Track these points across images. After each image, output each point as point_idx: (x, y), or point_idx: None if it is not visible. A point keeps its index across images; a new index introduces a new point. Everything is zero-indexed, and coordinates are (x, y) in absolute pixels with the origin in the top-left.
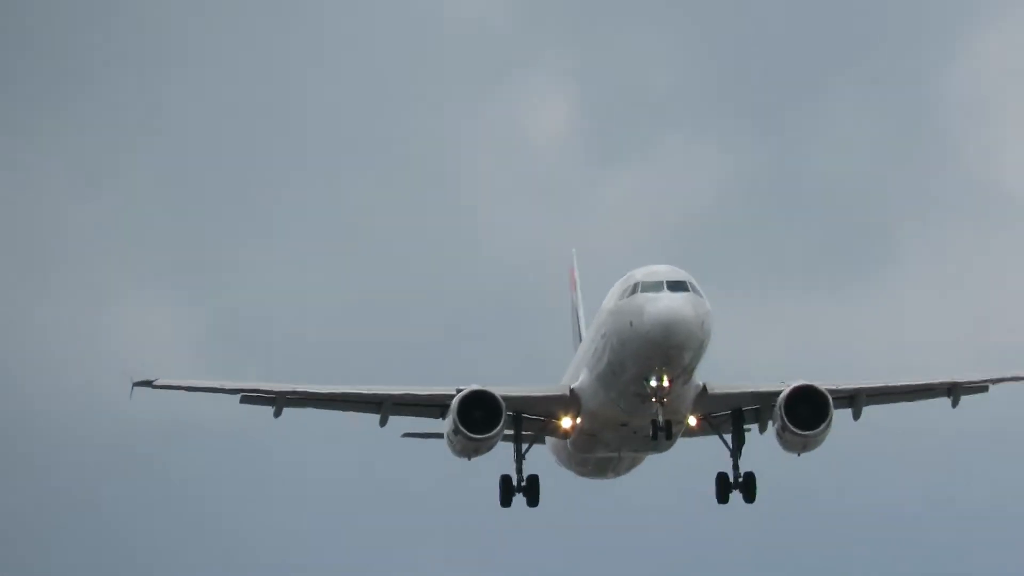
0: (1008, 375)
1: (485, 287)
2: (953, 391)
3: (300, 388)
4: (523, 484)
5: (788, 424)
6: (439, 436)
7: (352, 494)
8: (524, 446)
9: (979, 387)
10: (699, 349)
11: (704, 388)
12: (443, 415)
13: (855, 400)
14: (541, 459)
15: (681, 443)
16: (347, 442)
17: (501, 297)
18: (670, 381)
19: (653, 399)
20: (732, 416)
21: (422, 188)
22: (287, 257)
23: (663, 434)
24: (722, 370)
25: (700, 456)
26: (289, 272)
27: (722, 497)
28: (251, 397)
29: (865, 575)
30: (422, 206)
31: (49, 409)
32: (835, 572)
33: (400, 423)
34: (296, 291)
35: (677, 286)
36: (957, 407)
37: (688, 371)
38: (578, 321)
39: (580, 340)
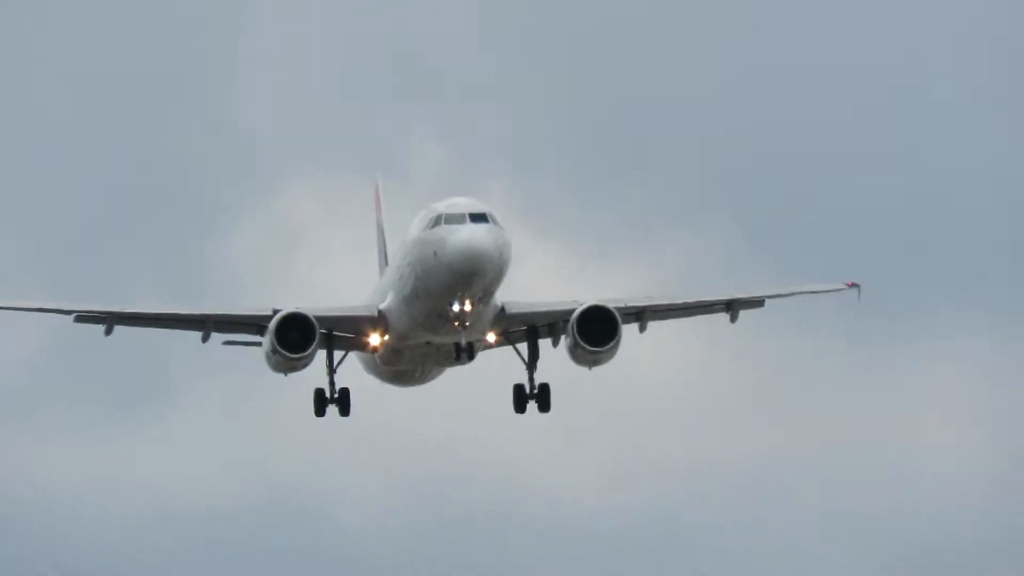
0: (784, 291)
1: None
2: (732, 307)
3: (130, 309)
4: (335, 396)
5: (580, 341)
6: (258, 344)
7: (179, 404)
8: (335, 360)
9: (756, 302)
10: (498, 275)
11: (503, 308)
12: (261, 332)
13: (642, 316)
14: (349, 366)
15: (480, 355)
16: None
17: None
18: (471, 305)
19: (456, 322)
20: (528, 332)
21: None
22: None
23: (465, 355)
24: (519, 289)
25: (498, 367)
26: None
27: (519, 407)
28: (85, 317)
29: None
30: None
31: None
32: (617, 474)
33: None
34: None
35: (478, 218)
36: (736, 322)
37: (488, 295)
38: (383, 241)
39: (386, 260)
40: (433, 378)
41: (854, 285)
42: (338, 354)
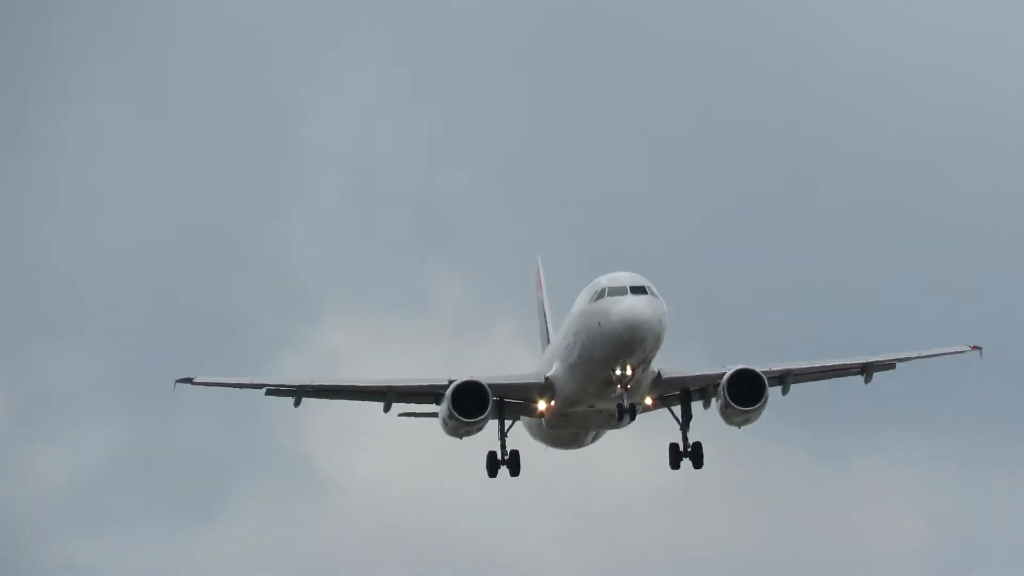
0: (914, 354)
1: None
2: (866, 369)
3: (317, 382)
4: (506, 458)
5: (730, 402)
6: (432, 415)
7: (363, 472)
8: (506, 425)
9: (888, 365)
10: (657, 343)
11: (659, 373)
12: (438, 401)
13: (784, 379)
14: (516, 433)
15: (639, 417)
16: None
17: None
18: (632, 370)
19: (618, 386)
20: (682, 395)
21: None
22: None
23: (628, 416)
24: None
25: (655, 429)
26: None
27: (674, 464)
28: (275, 390)
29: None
30: None
31: None
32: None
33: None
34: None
35: (638, 290)
36: (870, 383)
37: (647, 361)
38: (545, 317)
39: (546, 332)
40: (595, 440)
41: (976, 348)
42: (508, 420)
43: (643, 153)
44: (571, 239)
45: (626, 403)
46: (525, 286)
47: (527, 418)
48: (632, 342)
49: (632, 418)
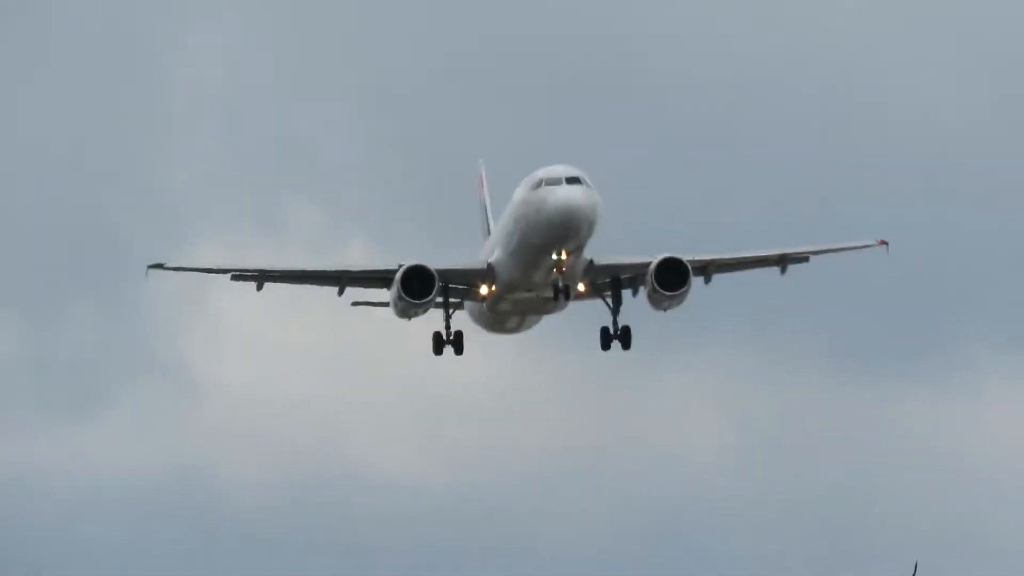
0: (825, 247)
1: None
2: (781, 261)
3: (279, 268)
4: (451, 338)
5: (657, 287)
6: (382, 304)
7: (320, 352)
8: (450, 309)
9: (802, 258)
10: (590, 230)
11: (591, 261)
12: (388, 286)
13: (707, 269)
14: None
15: (571, 306)
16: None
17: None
18: (567, 255)
19: (554, 269)
20: (612, 282)
21: None
22: None
23: (562, 295)
24: (603, 245)
25: (587, 316)
26: None
27: (605, 345)
28: (240, 276)
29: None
30: None
31: None
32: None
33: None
34: None
35: (573, 180)
36: (785, 274)
37: (581, 247)
38: (486, 213)
39: (488, 229)
40: (530, 327)
41: (883, 243)
42: (452, 304)
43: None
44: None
45: (560, 284)
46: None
47: (471, 304)
48: (567, 228)
49: (567, 298)
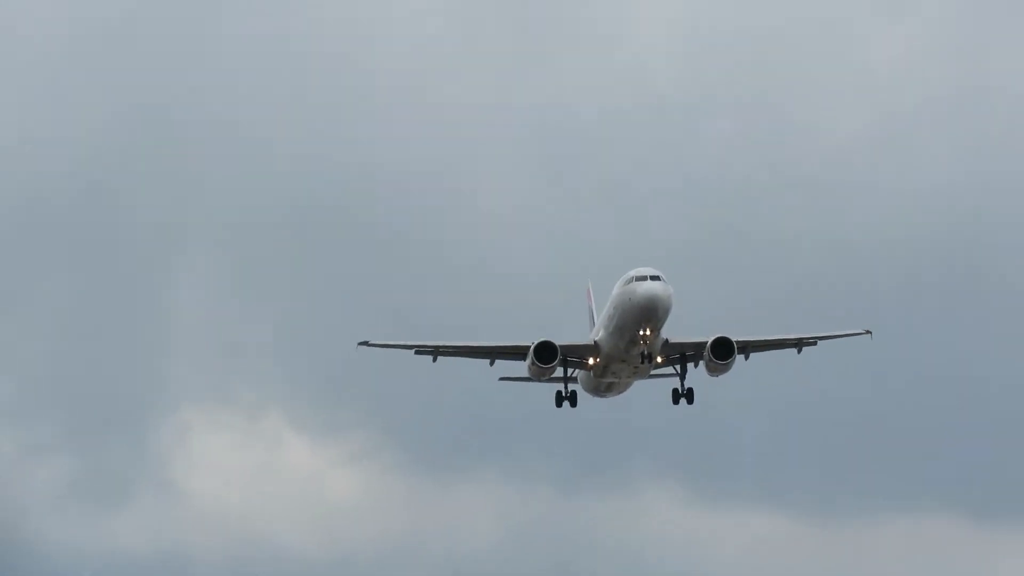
0: (823, 335)
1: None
2: (798, 344)
3: (449, 344)
4: (568, 395)
5: (712, 359)
6: (525, 380)
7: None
8: (569, 373)
9: (812, 342)
10: (666, 313)
11: (667, 340)
12: (525, 358)
13: (745, 350)
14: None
15: (649, 381)
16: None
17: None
18: (651, 332)
19: (641, 343)
20: (681, 356)
21: None
22: None
23: (647, 360)
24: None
25: (660, 385)
26: None
27: (675, 402)
28: (422, 351)
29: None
30: None
31: None
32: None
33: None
34: None
35: (655, 278)
36: (801, 353)
37: (660, 327)
38: (592, 312)
39: (593, 322)
40: (623, 391)
41: (868, 332)
42: (570, 370)
43: None
44: None
45: (646, 352)
46: None
47: (582, 374)
48: (651, 311)
49: (650, 363)
